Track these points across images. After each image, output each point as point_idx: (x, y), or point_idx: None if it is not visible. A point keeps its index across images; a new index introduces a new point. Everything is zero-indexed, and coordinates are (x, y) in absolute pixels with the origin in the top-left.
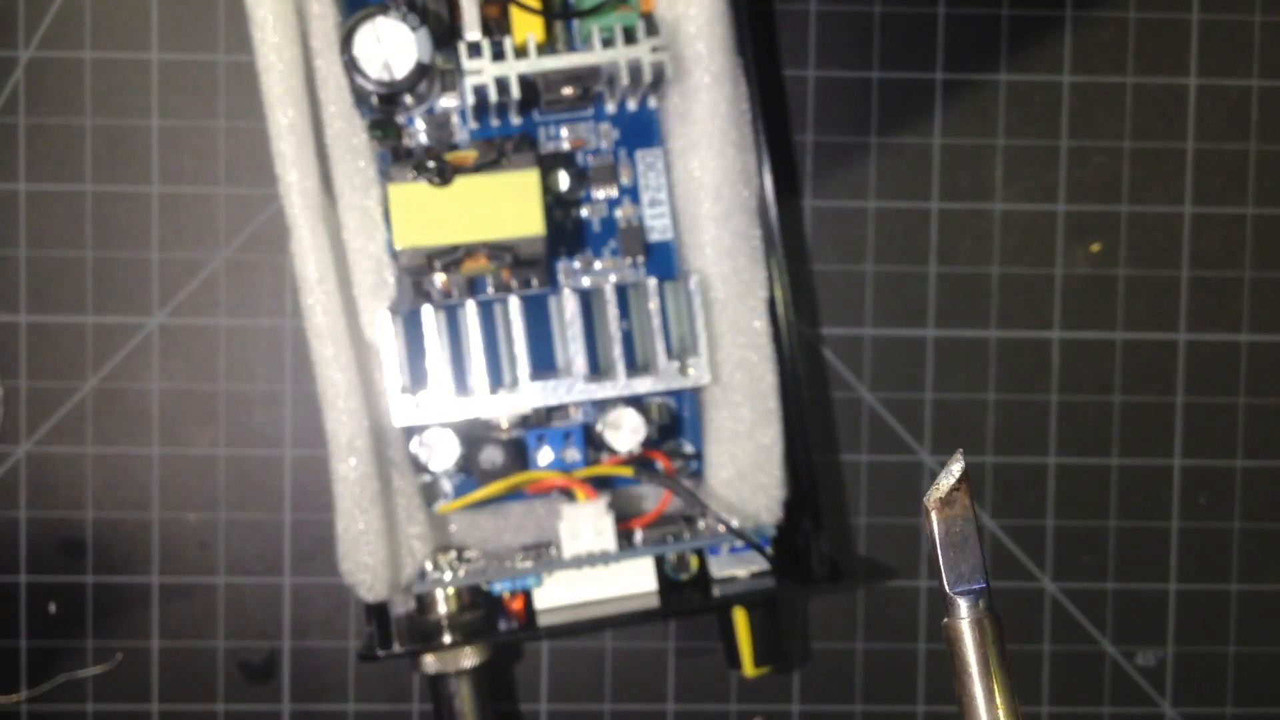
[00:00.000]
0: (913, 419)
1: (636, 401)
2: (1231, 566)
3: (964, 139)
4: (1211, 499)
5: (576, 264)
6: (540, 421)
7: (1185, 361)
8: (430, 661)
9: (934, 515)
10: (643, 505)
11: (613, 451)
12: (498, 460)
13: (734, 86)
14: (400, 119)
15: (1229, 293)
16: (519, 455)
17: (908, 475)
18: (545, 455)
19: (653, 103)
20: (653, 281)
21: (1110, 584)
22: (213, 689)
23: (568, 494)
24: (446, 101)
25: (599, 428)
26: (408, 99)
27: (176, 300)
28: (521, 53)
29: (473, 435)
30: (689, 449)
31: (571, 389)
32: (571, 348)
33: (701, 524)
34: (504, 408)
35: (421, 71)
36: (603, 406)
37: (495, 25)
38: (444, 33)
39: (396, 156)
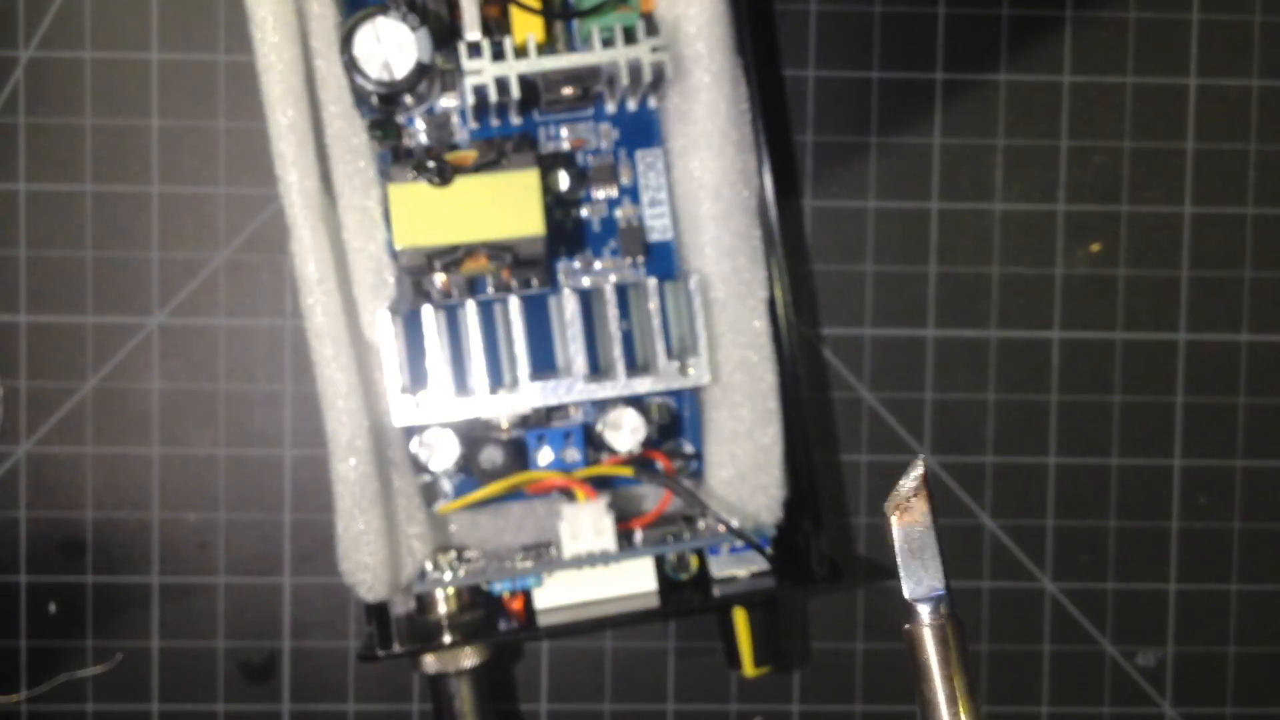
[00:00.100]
0: (913, 419)
1: (636, 401)
2: (1231, 566)
3: (964, 139)
4: (1211, 499)
5: (576, 264)
6: (540, 421)
7: (1185, 361)
8: (430, 661)
9: (893, 521)
10: (643, 505)
11: (613, 451)
12: (498, 460)
13: (734, 86)
14: (400, 119)
15: (1229, 293)
16: (519, 455)
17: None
18: (545, 455)
19: (653, 103)
20: (653, 281)
21: (1110, 584)
22: (213, 689)
23: (568, 494)
24: (446, 101)
25: (599, 428)
26: (408, 99)
27: (176, 300)
28: (521, 53)
29: (473, 435)
30: (689, 449)
31: (571, 389)
32: (571, 348)
33: (701, 524)
34: (504, 408)
35: (421, 71)
36: (603, 406)
37: (495, 25)
38: (444, 33)
39: (396, 156)
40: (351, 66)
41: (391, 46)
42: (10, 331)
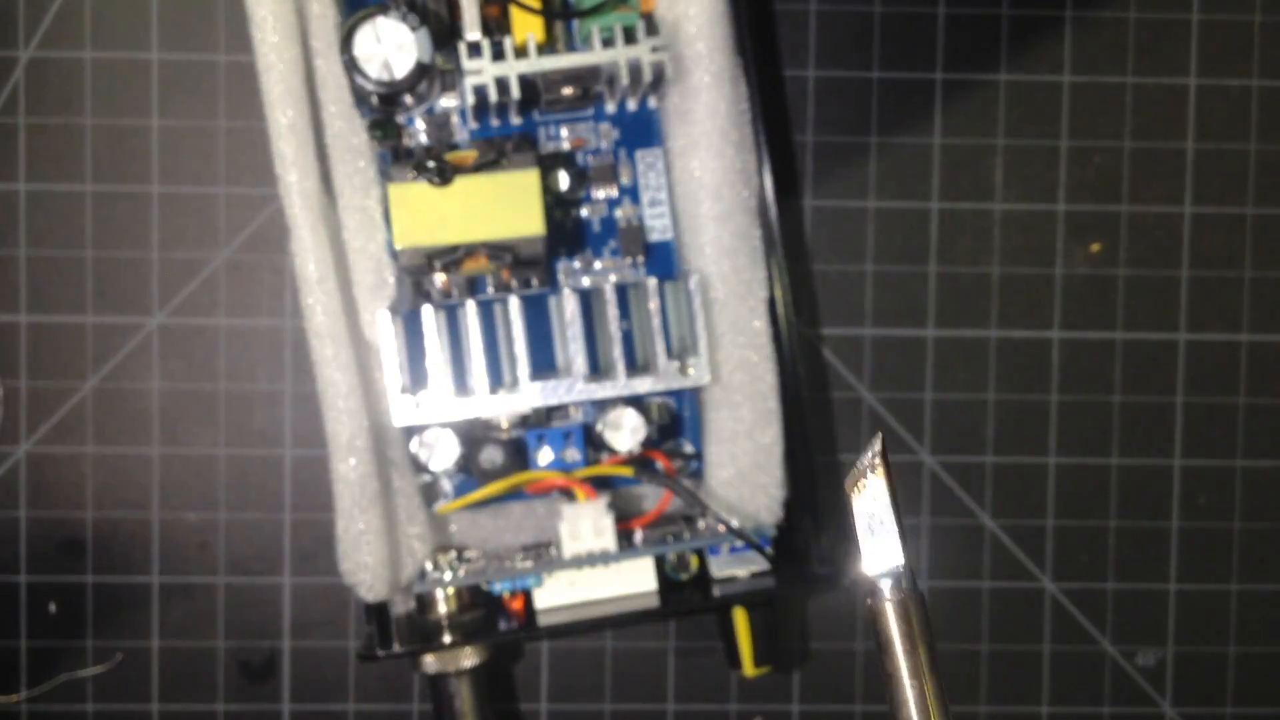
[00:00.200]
0: (913, 419)
1: (636, 401)
2: (1231, 566)
3: (964, 139)
4: (1211, 499)
5: (576, 264)
6: (540, 421)
7: (1185, 361)
8: (430, 661)
9: (853, 497)
10: (643, 505)
11: (613, 451)
12: (498, 460)
13: (734, 86)
14: (400, 119)
15: (1229, 293)
16: (519, 455)
17: (907, 475)
18: (545, 455)
19: (653, 103)
20: (653, 281)
21: (1110, 584)
22: (213, 689)
23: (568, 494)
24: (446, 101)
25: (599, 428)
26: (408, 99)
27: (176, 300)
28: (521, 53)
29: (473, 435)
30: (689, 449)
31: (571, 389)
32: (571, 348)
33: (701, 524)
34: (504, 408)
35: (421, 71)
36: (603, 406)
37: (495, 25)
38: (444, 33)
39: (396, 156)
40: (351, 66)
41: (391, 46)
42: (10, 331)
